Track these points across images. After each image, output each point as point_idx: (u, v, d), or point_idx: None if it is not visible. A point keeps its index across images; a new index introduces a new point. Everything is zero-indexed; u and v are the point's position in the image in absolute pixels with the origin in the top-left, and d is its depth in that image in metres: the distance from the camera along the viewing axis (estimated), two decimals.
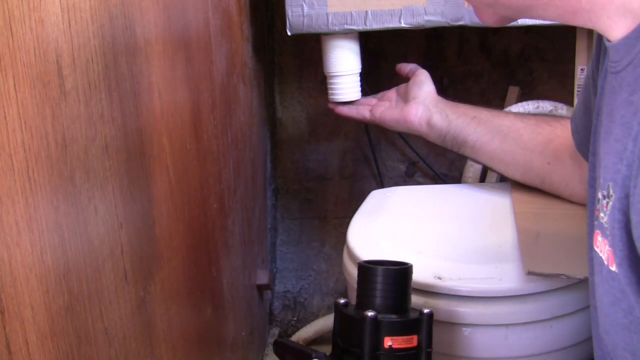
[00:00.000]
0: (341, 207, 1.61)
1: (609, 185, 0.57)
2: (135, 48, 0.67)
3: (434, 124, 1.14)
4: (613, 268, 0.58)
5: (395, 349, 0.76)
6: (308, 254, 1.65)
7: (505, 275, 0.88)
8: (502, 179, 1.41)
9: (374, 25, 1.23)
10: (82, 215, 0.55)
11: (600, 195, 0.60)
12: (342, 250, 1.06)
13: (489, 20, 0.70)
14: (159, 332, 0.73)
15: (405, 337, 0.76)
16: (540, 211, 1.01)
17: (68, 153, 0.52)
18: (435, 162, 1.56)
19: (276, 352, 0.91)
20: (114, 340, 0.61)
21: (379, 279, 0.78)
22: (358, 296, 0.81)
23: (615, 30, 0.59)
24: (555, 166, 1.02)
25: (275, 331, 1.63)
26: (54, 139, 0.50)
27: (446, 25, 1.23)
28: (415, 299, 0.90)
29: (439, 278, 0.89)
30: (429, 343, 0.78)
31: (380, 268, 0.79)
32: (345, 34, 1.26)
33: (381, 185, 1.56)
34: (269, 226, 1.57)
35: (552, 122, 1.05)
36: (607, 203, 0.57)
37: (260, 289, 1.40)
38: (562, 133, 1.01)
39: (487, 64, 1.49)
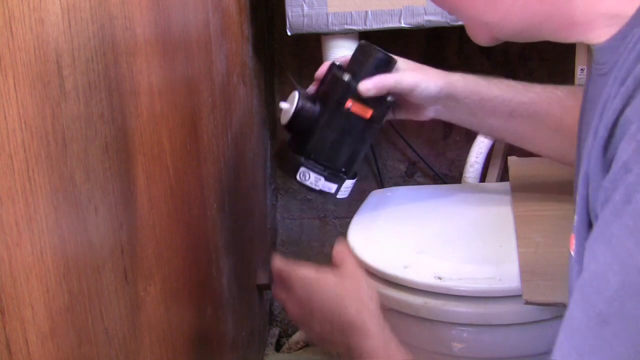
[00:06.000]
0: (341, 207, 1.61)
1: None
2: (135, 48, 0.67)
3: (439, 116, 1.01)
4: (573, 253, 0.59)
5: (352, 112, 0.88)
6: (308, 254, 1.65)
7: (505, 275, 0.88)
8: (502, 179, 1.41)
9: (374, 25, 1.23)
10: (82, 215, 0.55)
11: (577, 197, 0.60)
12: None
13: (483, 38, 0.68)
14: (159, 332, 0.73)
15: (363, 107, 0.88)
16: (540, 213, 1.01)
17: (68, 153, 0.52)
18: (435, 162, 1.56)
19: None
20: (114, 340, 0.61)
21: (362, 54, 0.89)
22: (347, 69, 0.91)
23: (603, 38, 0.60)
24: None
25: (275, 331, 1.63)
26: (54, 139, 0.50)
27: (446, 25, 1.23)
28: (415, 299, 0.90)
29: (439, 278, 0.89)
30: (380, 121, 0.91)
31: (372, 46, 0.89)
32: (345, 34, 1.26)
33: (381, 185, 1.56)
34: (269, 226, 1.57)
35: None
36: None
37: (260, 289, 1.40)
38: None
39: (487, 64, 1.49)
